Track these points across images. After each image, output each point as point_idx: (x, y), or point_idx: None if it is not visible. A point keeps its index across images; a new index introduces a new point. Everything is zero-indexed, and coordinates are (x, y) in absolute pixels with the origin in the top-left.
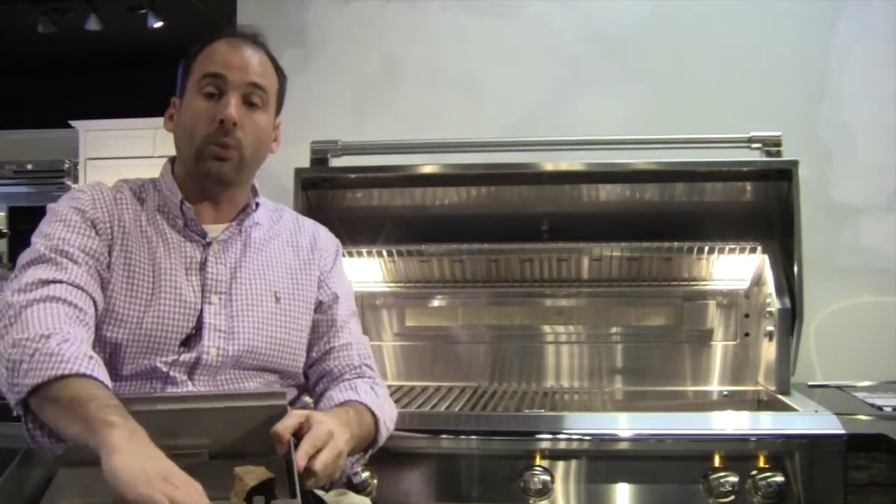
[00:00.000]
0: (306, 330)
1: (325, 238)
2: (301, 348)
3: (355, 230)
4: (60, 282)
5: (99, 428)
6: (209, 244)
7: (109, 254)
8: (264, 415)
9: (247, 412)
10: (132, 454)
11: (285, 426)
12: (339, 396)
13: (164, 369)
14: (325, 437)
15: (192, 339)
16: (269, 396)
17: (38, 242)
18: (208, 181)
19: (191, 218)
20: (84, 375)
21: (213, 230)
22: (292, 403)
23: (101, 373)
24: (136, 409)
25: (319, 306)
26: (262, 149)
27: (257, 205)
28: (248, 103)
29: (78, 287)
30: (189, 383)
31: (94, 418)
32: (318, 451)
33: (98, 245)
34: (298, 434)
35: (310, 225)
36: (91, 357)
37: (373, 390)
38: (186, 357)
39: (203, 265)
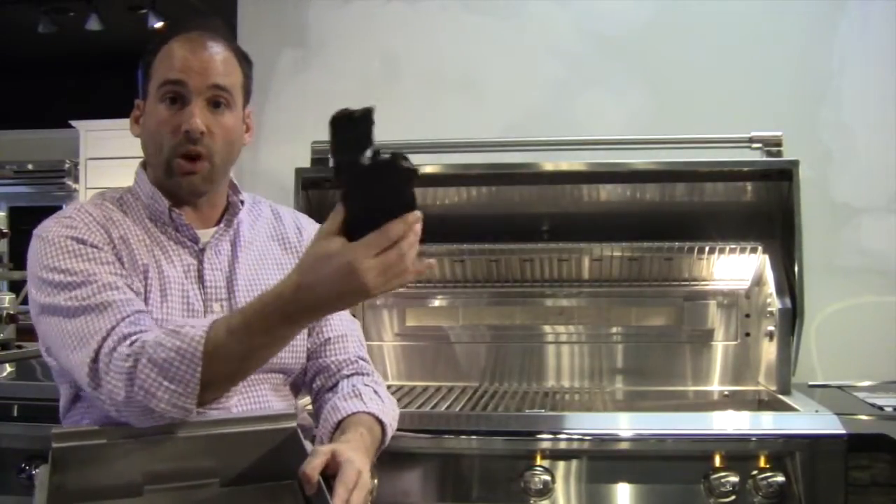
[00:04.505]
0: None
1: (310, 226)
2: (303, 344)
3: None
4: (121, 321)
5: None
6: (202, 250)
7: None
8: (273, 438)
9: (255, 436)
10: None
11: (313, 467)
12: (344, 407)
13: None
14: (356, 477)
15: None
16: (277, 419)
17: (56, 281)
18: (181, 192)
19: (182, 224)
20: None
21: (203, 235)
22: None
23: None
24: (144, 439)
25: None
26: (234, 148)
27: (242, 202)
28: (214, 104)
29: (138, 311)
30: None
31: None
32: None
33: (114, 260)
34: (323, 472)
35: (289, 214)
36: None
37: (377, 394)
38: None
39: (200, 274)
